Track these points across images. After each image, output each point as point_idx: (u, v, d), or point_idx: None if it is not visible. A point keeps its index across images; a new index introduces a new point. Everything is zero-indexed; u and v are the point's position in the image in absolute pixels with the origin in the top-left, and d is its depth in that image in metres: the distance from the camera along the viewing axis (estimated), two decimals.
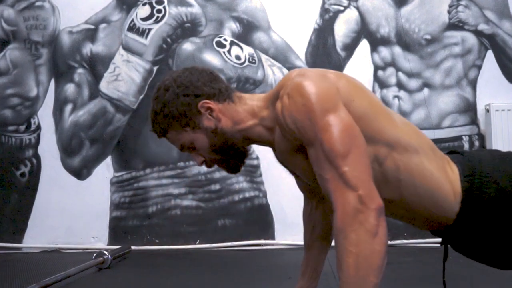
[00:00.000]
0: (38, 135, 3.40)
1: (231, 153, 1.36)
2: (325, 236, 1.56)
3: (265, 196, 3.27)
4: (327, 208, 1.50)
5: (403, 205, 1.23)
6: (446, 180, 1.22)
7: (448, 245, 1.33)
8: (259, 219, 3.27)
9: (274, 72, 3.29)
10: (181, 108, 1.31)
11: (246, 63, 3.28)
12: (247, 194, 3.28)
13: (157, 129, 1.36)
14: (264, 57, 3.30)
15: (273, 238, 3.25)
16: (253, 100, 1.34)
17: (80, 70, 3.39)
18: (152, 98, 1.36)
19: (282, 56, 3.32)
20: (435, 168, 1.23)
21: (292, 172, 1.36)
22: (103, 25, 3.40)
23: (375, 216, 1.06)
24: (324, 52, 3.30)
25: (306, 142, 1.17)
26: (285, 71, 3.29)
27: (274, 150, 1.34)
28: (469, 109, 3.21)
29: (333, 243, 1.53)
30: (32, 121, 3.40)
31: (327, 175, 1.11)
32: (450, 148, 3.18)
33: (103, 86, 3.36)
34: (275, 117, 1.24)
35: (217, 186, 3.28)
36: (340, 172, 1.09)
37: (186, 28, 3.34)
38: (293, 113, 1.17)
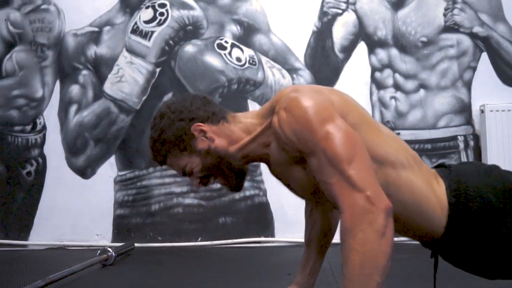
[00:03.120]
0: (44, 135, 3.43)
1: (226, 172, 1.37)
2: (324, 234, 1.58)
3: (265, 194, 3.30)
4: (328, 208, 1.51)
5: None
6: (433, 194, 1.24)
7: (438, 256, 1.35)
8: (259, 217, 3.29)
9: (274, 74, 3.32)
10: (176, 133, 1.33)
11: (247, 64, 3.30)
12: (247, 193, 3.30)
13: (157, 156, 1.38)
14: (264, 59, 3.33)
15: (273, 235, 3.27)
16: (247, 118, 1.35)
17: (84, 72, 3.42)
18: (150, 127, 1.38)
19: (281, 58, 3.34)
20: (422, 183, 1.24)
21: (287, 184, 1.36)
22: (107, 28, 3.43)
23: (384, 217, 1.06)
24: (323, 54, 3.33)
25: (307, 152, 1.17)
26: (285, 72, 3.32)
27: (269, 165, 1.35)
28: (464, 109, 3.24)
29: (333, 241, 1.56)
30: (38, 121, 3.43)
31: (331, 180, 1.11)
32: (446, 148, 3.23)
33: (107, 87, 3.38)
34: (271, 132, 1.25)
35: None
36: (345, 176, 1.09)
37: (188, 31, 3.36)
38: (292, 124, 1.17)
